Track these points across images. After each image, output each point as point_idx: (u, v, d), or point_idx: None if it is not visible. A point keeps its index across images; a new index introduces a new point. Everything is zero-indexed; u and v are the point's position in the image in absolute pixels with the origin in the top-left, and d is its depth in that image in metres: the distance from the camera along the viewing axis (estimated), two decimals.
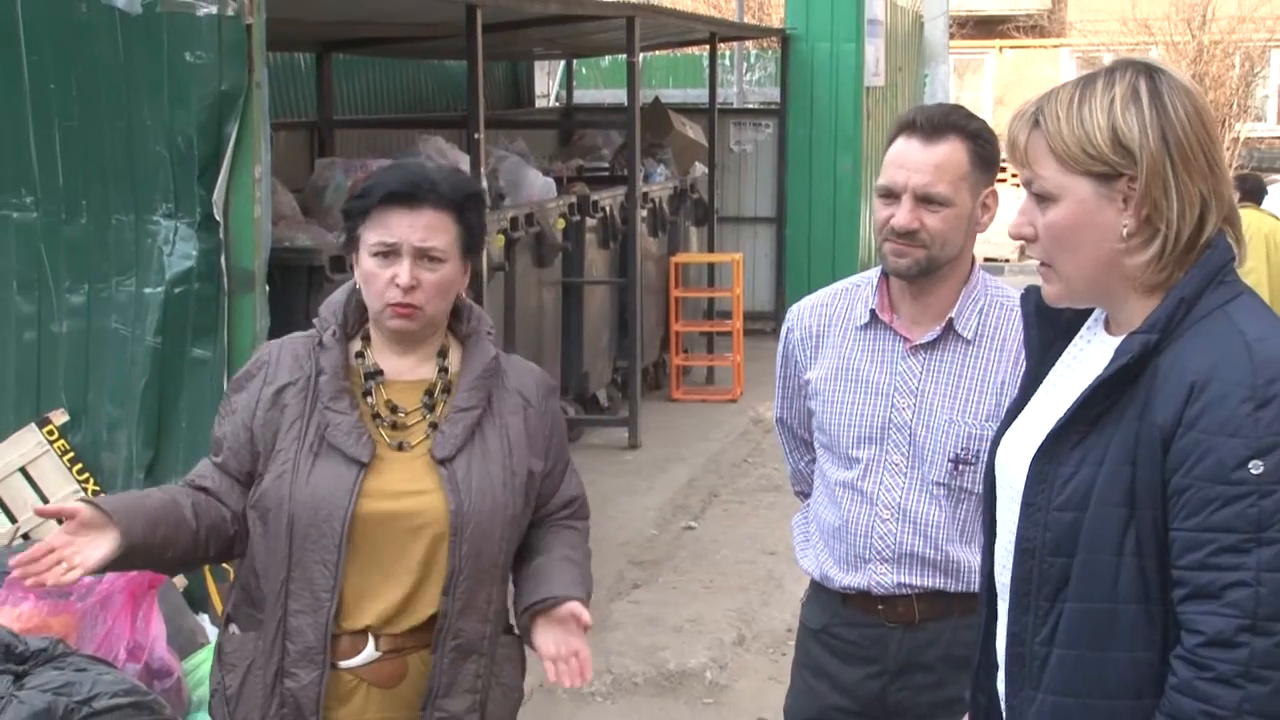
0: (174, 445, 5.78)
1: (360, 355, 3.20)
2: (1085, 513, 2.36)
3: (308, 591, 3.10)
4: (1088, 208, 2.36)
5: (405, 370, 3.20)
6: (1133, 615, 2.34)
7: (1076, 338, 2.55)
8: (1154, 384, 2.32)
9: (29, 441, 5.79)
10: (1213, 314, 2.33)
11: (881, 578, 3.36)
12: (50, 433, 5.79)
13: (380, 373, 3.18)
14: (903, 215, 3.24)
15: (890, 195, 3.27)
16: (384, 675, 3.16)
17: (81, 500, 3.02)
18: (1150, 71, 2.36)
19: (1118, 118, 2.32)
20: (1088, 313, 2.54)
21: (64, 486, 5.74)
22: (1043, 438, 2.44)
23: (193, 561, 3.28)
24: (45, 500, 5.74)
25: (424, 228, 3.06)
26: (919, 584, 3.35)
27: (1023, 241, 2.49)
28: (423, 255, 3.06)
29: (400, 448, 3.15)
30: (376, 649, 3.14)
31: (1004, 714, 2.59)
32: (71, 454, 5.78)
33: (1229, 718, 2.23)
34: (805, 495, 3.67)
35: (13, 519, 5.76)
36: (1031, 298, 2.60)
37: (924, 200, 3.23)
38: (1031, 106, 2.43)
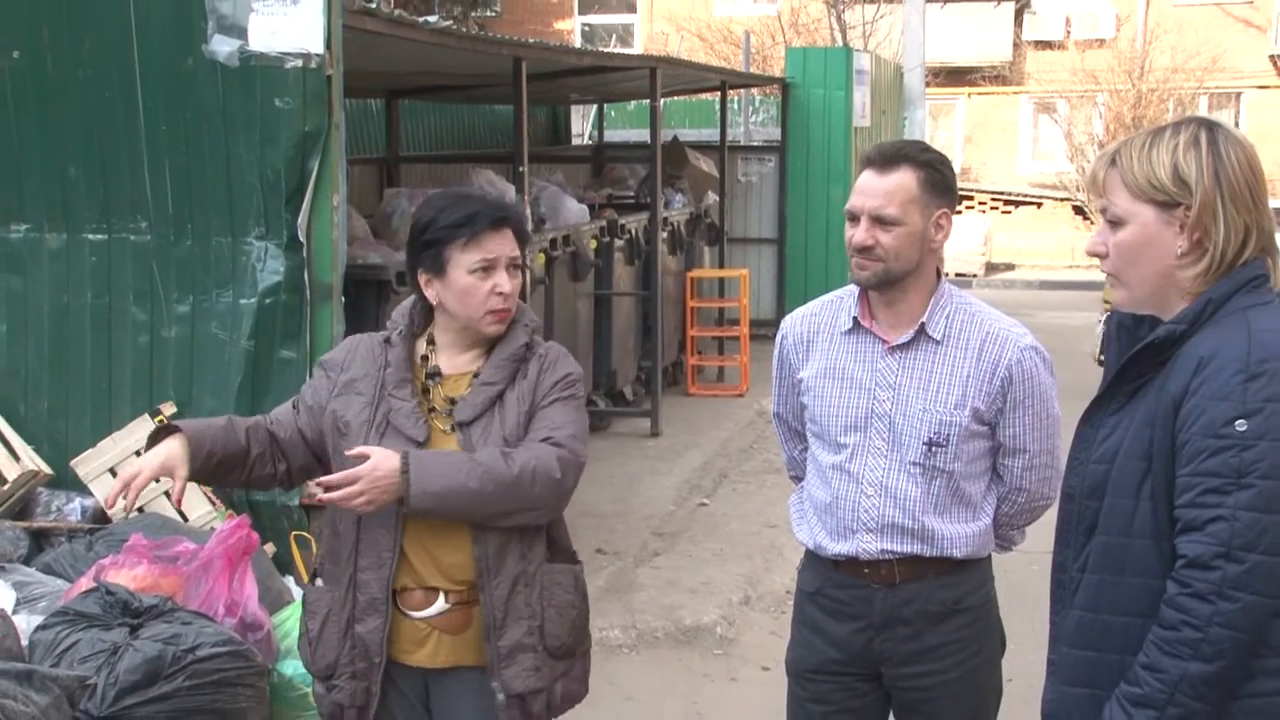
0: None
1: (425, 358, 3.26)
2: (1114, 465, 2.53)
3: (373, 551, 3.16)
4: (1150, 230, 2.53)
5: (463, 365, 3.26)
6: (1144, 548, 2.49)
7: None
8: (1174, 365, 2.48)
9: (143, 429, 5.80)
10: (1233, 314, 2.48)
11: (867, 545, 3.36)
12: (160, 422, 5.79)
13: (439, 373, 3.24)
14: (860, 234, 3.28)
15: (853, 218, 3.31)
16: (452, 623, 3.20)
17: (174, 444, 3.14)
18: (1210, 125, 2.54)
19: (1179, 158, 2.49)
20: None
21: None
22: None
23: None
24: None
25: (510, 243, 3.19)
26: (899, 550, 3.35)
27: (1096, 258, 2.65)
28: (514, 265, 3.20)
29: (453, 429, 3.19)
30: (446, 602, 3.19)
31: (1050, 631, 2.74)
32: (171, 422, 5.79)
33: (1201, 626, 2.37)
34: (799, 479, 3.67)
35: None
36: (1114, 318, 2.74)
37: (878, 221, 3.26)
38: (1111, 149, 2.61)
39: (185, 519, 5.69)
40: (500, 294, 3.16)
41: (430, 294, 3.20)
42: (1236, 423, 2.37)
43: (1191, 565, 2.39)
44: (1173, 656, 2.39)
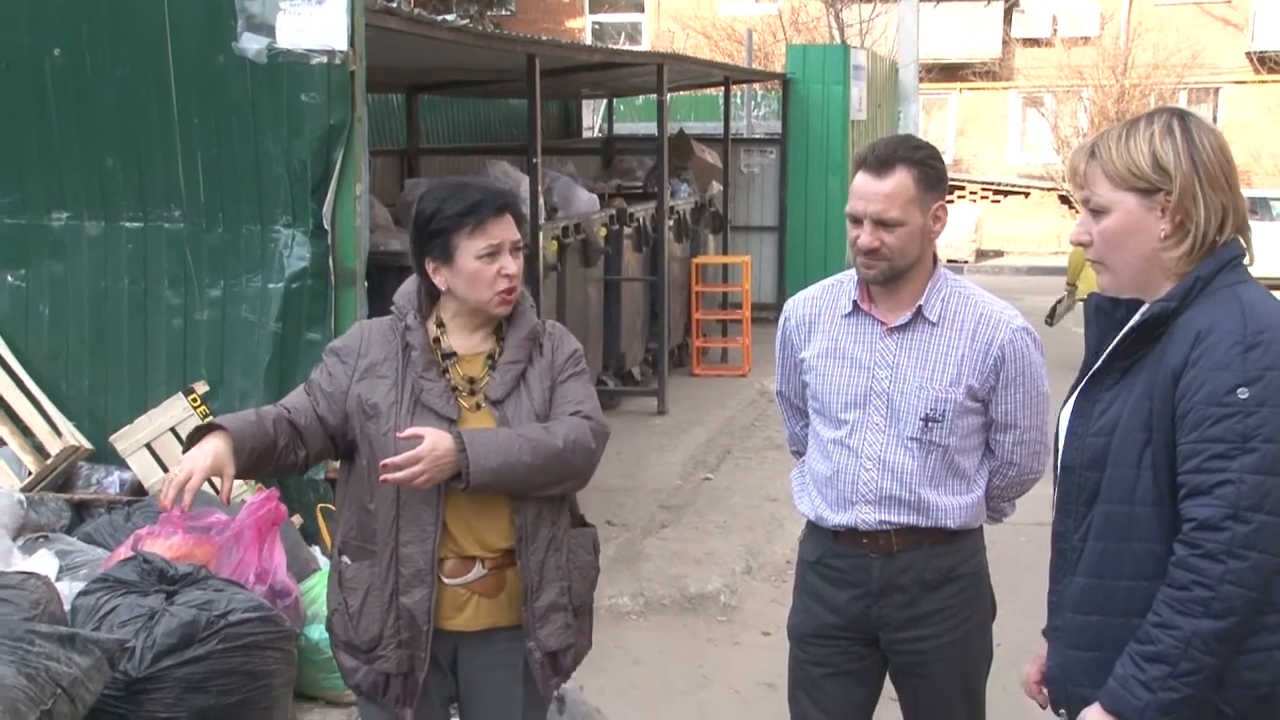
0: None
1: (437, 340, 3.26)
2: (1113, 438, 2.53)
3: (415, 525, 3.15)
4: (1134, 216, 2.53)
5: (474, 345, 3.26)
6: (1146, 515, 2.49)
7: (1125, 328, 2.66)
8: (1170, 340, 2.48)
9: (177, 407, 5.82)
10: (1221, 290, 2.49)
11: (865, 516, 3.36)
12: (194, 400, 5.82)
13: (455, 354, 3.25)
14: (865, 238, 3.26)
15: (855, 220, 3.29)
16: (489, 588, 3.22)
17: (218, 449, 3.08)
18: (1182, 115, 2.55)
19: (1157, 146, 2.50)
20: (1132, 314, 2.65)
21: None
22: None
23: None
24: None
25: (511, 229, 3.19)
26: (896, 521, 3.35)
27: (1079, 245, 2.65)
28: (517, 249, 3.20)
29: (478, 407, 3.19)
30: (483, 568, 3.20)
31: (1049, 601, 2.74)
32: (211, 418, 5.80)
33: (1213, 585, 2.38)
34: (800, 454, 3.66)
35: (165, 469, 5.79)
36: (1092, 300, 2.75)
37: (880, 224, 3.24)
38: (1089, 142, 2.61)
39: (217, 492, 5.68)
40: (507, 275, 3.17)
41: (439, 280, 3.20)
42: (1238, 391, 2.38)
43: (1201, 528, 2.39)
44: (1185, 614, 2.40)
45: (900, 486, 3.33)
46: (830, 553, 3.46)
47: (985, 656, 3.52)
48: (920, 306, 3.32)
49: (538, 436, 3.12)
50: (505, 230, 3.17)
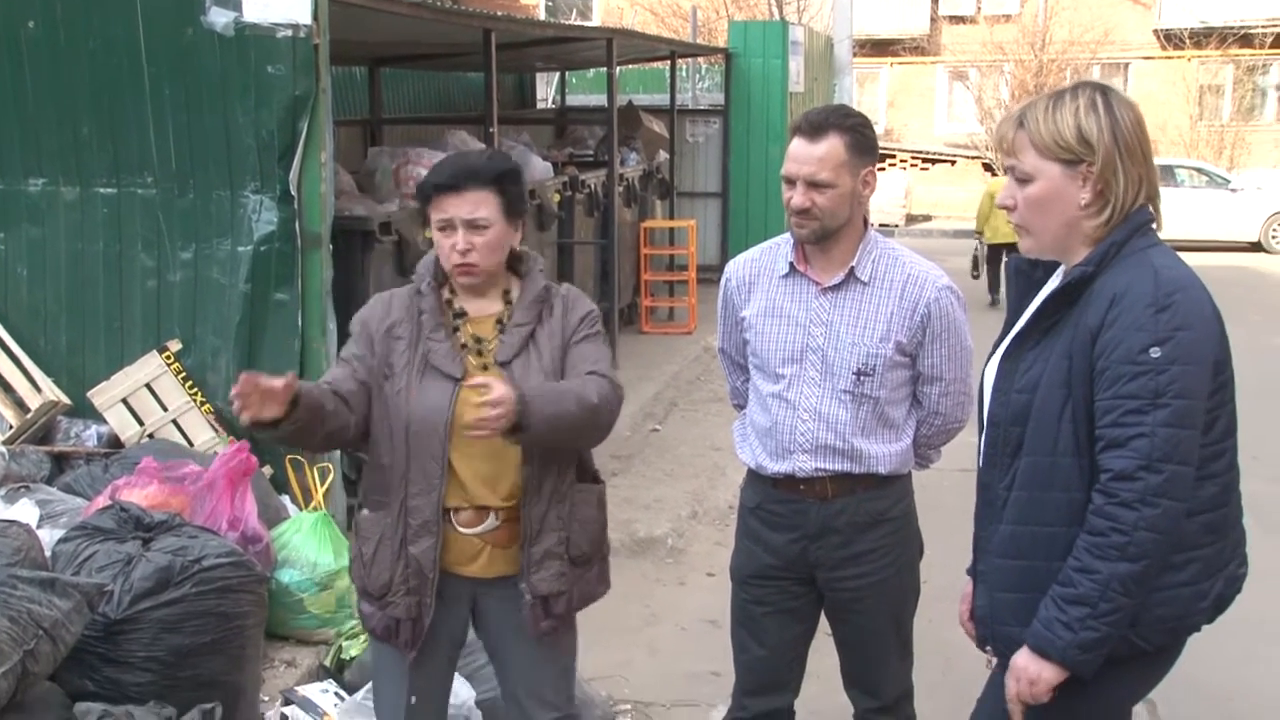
0: (262, 366, 5.69)
1: (449, 301, 3.23)
2: (1036, 394, 2.54)
3: (422, 479, 3.13)
4: (1057, 185, 2.54)
5: (483, 308, 3.23)
6: (1067, 465, 2.51)
7: (1041, 291, 2.68)
8: (1088, 302, 2.50)
9: (151, 364, 5.76)
10: (1135, 254, 2.50)
11: (803, 464, 3.37)
12: (168, 358, 5.76)
13: (465, 314, 3.21)
14: (798, 198, 3.26)
15: (789, 182, 3.28)
16: (502, 538, 3.20)
17: (287, 381, 2.90)
18: (1104, 90, 2.56)
19: (1082, 120, 2.50)
20: (1050, 275, 2.68)
21: (178, 398, 5.72)
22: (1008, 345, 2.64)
23: (310, 447, 3.24)
24: (165, 409, 5.71)
25: (468, 205, 3.08)
26: (831, 468, 3.36)
27: (1005, 210, 2.65)
28: (471, 225, 3.09)
29: (485, 368, 3.16)
30: (496, 519, 3.18)
31: (974, 544, 2.78)
32: (184, 374, 5.75)
33: (1128, 531, 2.41)
34: (741, 407, 3.67)
35: (140, 423, 5.74)
36: (1012, 263, 2.76)
37: (813, 185, 3.24)
38: (1016, 112, 2.61)
39: (191, 444, 5.65)
40: (458, 251, 3.08)
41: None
42: (1151, 350, 2.40)
43: (1117, 478, 2.42)
44: (1103, 559, 2.43)
45: (835, 436, 3.34)
46: (770, 499, 3.47)
47: (914, 592, 3.55)
48: (853, 267, 3.32)
49: (582, 390, 3.06)
50: (458, 206, 3.07)
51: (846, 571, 3.42)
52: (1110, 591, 2.43)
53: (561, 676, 3.40)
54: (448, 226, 3.10)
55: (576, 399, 3.05)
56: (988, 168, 25.27)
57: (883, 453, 3.37)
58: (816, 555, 3.43)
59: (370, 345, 3.20)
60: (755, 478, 3.53)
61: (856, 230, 3.34)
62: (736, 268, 3.55)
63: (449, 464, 3.12)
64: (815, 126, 3.25)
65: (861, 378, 3.30)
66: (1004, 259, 13.63)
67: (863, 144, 3.27)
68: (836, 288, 3.34)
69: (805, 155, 3.24)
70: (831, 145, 3.23)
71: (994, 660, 2.75)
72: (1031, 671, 2.53)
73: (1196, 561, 2.52)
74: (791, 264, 3.38)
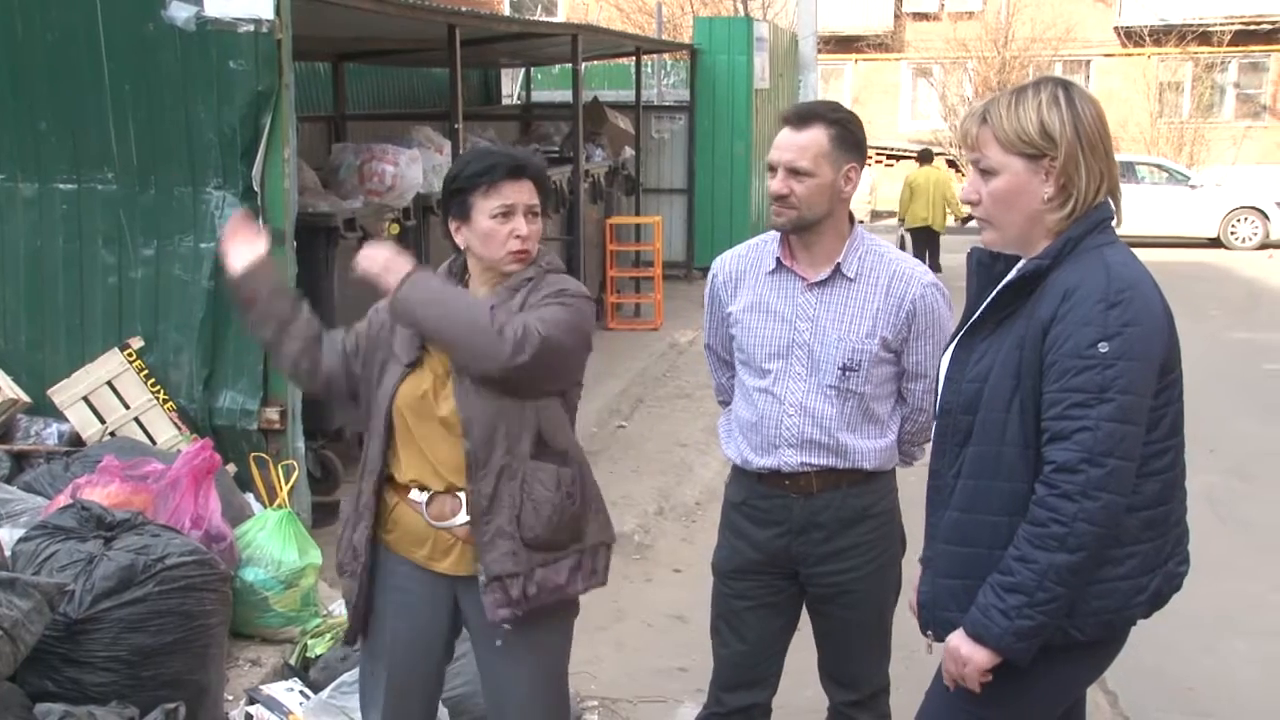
0: (225, 364, 5.72)
1: None
2: (986, 384, 2.55)
3: (369, 460, 3.18)
4: (1020, 179, 2.55)
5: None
6: (1013, 455, 2.53)
7: (1001, 284, 2.68)
8: (1041, 295, 2.51)
9: (113, 361, 5.71)
10: (1090, 250, 2.52)
11: (788, 459, 3.38)
12: (130, 355, 5.71)
13: None
14: (776, 183, 3.29)
15: (773, 169, 3.31)
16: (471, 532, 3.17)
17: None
18: (1066, 85, 2.57)
19: (1044, 115, 2.52)
20: (1010, 269, 2.68)
21: (140, 396, 5.67)
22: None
23: (280, 350, 3.25)
24: (127, 407, 5.66)
25: (528, 192, 3.15)
26: (816, 463, 3.37)
27: (969, 206, 2.67)
28: (531, 212, 3.15)
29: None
30: (467, 514, 3.13)
31: (925, 531, 2.79)
32: (146, 371, 5.70)
33: (1067, 522, 2.43)
34: (726, 403, 3.67)
35: (102, 420, 5.68)
36: (974, 256, 2.76)
37: (793, 172, 3.26)
38: (980, 107, 2.63)
39: (153, 442, 5.61)
40: (519, 237, 3.12)
41: (459, 240, 3.18)
42: (1099, 345, 2.42)
43: (1060, 470, 2.43)
44: (1042, 549, 2.45)
45: (820, 431, 3.35)
46: (754, 494, 3.48)
47: (895, 589, 3.56)
48: (839, 264, 3.34)
49: (480, 306, 3.04)
50: (519, 193, 3.12)
51: (830, 567, 3.43)
52: (1047, 581, 2.45)
53: (545, 684, 3.33)
54: (509, 212, 3.11)
55: (468, 307, 3.04)
56: (951, 164, 25.38)
57: (868, 448, 3.38)
58: (800, 550, 3.44)
59: (369, 326, 3.25)
60: (740, 473, 3.54)
61: (841, 226, 3.35)
62: (723, 263, 3.56)
63: (397, 447, 3.14)
64: (802, 116, 3.29)
65: (847, 373, 3.31)
66: (917, 239, 16.37)
67: (847, 139, 3.29)
68: (823, 283, 3.35)
69: (788, 142, 3.27)
70: (815, 135, 3.25)
71: (933, 645, 2.77)
72: (964, 653, 2.57)
73: (1135, 557, 2.55)
74: (778, 259, 3.39)
